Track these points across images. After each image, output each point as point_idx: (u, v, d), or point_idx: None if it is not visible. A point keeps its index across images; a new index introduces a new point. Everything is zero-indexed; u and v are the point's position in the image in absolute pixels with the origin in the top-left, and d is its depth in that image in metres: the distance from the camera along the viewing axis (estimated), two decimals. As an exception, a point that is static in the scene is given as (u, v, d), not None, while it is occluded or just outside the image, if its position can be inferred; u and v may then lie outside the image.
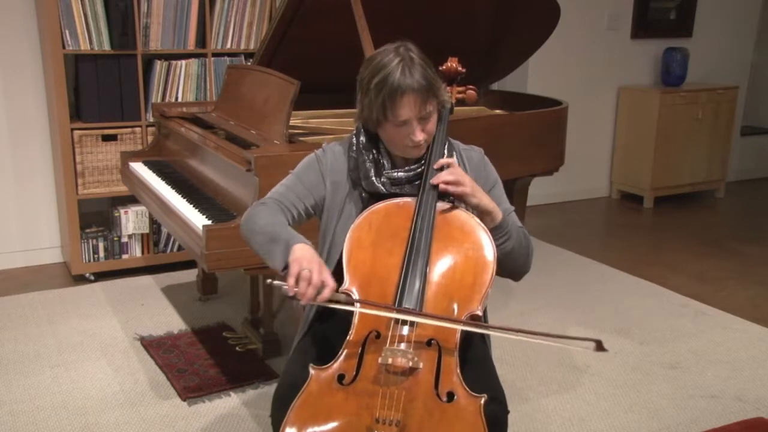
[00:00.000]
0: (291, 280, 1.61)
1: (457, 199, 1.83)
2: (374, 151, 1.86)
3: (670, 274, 4.14)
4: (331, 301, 1.64)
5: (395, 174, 1.84)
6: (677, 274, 4.13)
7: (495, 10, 3.48)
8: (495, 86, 4.40)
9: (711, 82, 5.86)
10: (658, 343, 3.25)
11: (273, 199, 1.88)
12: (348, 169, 1.89)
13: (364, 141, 1.87)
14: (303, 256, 1.65)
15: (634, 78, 5.68)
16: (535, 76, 5.14)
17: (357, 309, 1.68)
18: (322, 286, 1.61)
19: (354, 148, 1.89)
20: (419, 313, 1.66)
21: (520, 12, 3.51)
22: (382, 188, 1.84)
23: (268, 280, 1.67)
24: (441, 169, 1.81)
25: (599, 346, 1.61)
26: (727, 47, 6.01)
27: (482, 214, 1.81)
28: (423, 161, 1.86)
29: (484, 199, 1.80)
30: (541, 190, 5.03)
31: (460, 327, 1.66)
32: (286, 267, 1.67)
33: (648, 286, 3.94)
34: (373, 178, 1.84)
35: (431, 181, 1.80)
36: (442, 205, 1.81)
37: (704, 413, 2.70)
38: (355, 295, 1.70)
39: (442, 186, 1.78)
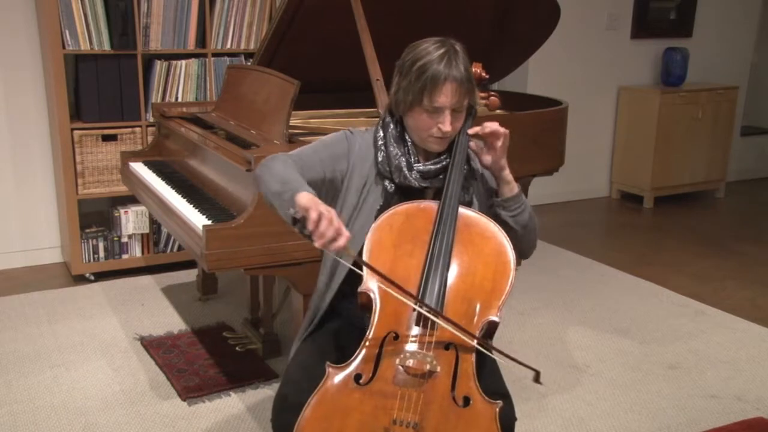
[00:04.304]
0: (314, 214, 1.56)
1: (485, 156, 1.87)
2: (404, 146, 1.86)
3: (670, 274, 4.14)
4: (347, 253, 1.61)
5: (425, 167, 1.85)
6: (677, 274, 4.13)
7: (495, 10, 3.48)
8: (495, 86, 4.40)
9: (711, 82, 5.86)
10: (658, 343, 3.25)
11: (297, 155, 1.86)
12: (375, 161, 1.88)
13: (394, 134, 1.87)
14: (317, 201, 1.61)
15: (634, 78, 5.68)
16: (535, 76, 5.14)
17: (376, 282, 1.66)
18: (340, 231, 1.57)
19: (382, 141, 1.88)
20: (440, 314, 1.65)
21: (520, 12, 3.51)
22: (415, 183, 1.84)
23: (291, 210, 1.62)
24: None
25: (536, 378, 1.65)
26: (727, 47, 6.01)
27: (504, 181, 1.88)
28: (447, 155, 1.87)
29: (507, 167, 1.87)
30: (541, 190, 5.02)
31: (473, 343, 1.65)
32: (295, 222, 1.63)
33: (648, 286, 3.94)
34: (406, 172, 1.84)
35: (469, 131, 1.85)
36: (463, 210, 1.81)
37: (704, 413, 2.70)
38: (375, 295, 1.69)
39: (486, 130, 1.82)
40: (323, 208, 1.58)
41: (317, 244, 1.57)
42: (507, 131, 1.84)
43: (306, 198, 1.62)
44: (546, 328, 3.39)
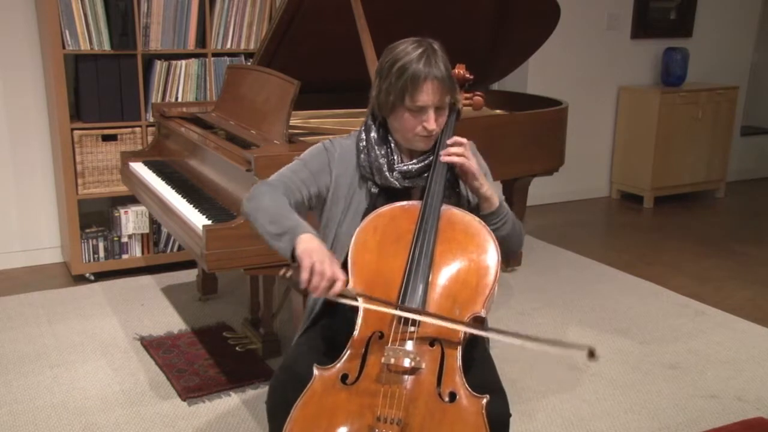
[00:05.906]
0: (305, 274, 1.60)
1: (460, 179, 1.88)
2: (386, 147, 1.88)
3: (670, 274, 4.14)
4: (340, 295, 1.65)
5: (405, 167, 1.86)
6: (677, 274, 4.13)
7: (495, 10, 3.49)
8: (495, 86, 4.40)
9: (711, 82, 5.85)
10: (658, 343, 3.25)
11: (279, 180, 1.88)
12: (357, 164, 1.90)
13: (375, 137, 1.89)
14: (312, 248, 1.65)
15: (634, 78, 5.68)
16: (535, 76, 5.14)
17: (360, 305, 1.68)
18: (334, 279, 1.62)
19: (364, 144, 1.90)
20: (422, 312, 1.66)
21: (520, 12, 3.51)
22: (396, 183, 1.86)
23: (281, 272, 1.67)
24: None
25: (591, 354, 1.64)
26: (727, 47, 6.01)
27: (481, 199, 1.86)
28: (430, 154, 1.88)
29: (485, 185, 1.86)
30: (541, 190, 5.02)
31: (461, 328, 1.66)
32: (293, 257, 1.67)
33: (648, 286, 3.94)
34: (387, 173, 1.85)
35: (441, 156, 1.83)
36: (447, 208, 1.82)
37: (704, 413, 2.70)
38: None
39: (451, 158, 1.82)
40: (314, 258, 1.61)
41: (315, 296, 1.63)
42: (458, 160, 1.83)
43: (302, 245, 1.65)
44: (546, 328, 3.39)
